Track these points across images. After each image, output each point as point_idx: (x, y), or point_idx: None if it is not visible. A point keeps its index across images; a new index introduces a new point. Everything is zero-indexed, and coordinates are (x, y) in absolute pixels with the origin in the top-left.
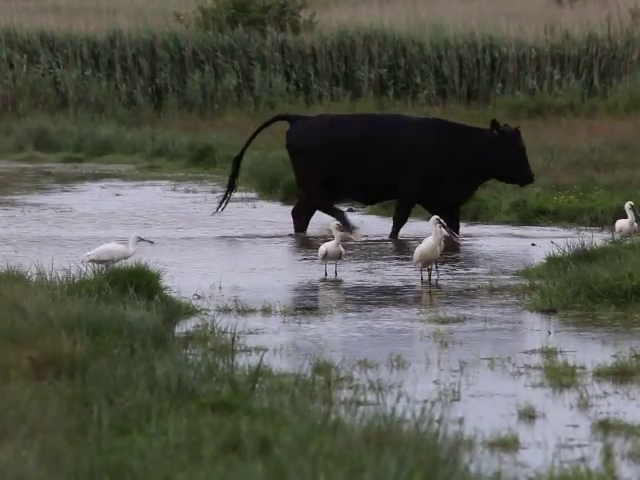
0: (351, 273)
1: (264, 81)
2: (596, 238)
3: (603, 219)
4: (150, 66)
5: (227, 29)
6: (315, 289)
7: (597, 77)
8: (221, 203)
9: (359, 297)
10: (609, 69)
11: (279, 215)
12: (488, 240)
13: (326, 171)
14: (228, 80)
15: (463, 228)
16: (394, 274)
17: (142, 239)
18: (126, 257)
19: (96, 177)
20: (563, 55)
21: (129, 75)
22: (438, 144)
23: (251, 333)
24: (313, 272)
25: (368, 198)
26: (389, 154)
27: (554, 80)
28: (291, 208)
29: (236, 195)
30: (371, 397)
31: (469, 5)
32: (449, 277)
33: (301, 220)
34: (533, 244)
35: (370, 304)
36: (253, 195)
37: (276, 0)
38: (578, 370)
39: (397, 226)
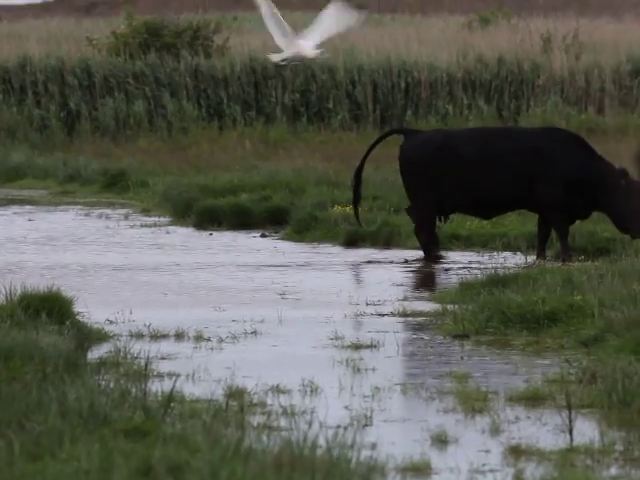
0: (266, 298)
1: (175, 107)
2: (509, 263)
3: (516, 245)
4: (61, 92)
5: (139, 54)
6: (229, 313)
7: (507, 101)
8: (357, 217)
9: (273, 322)
10: (518, 94)
11: (192, 240)
12: (401, 265)
13: (439, 187)
14: (138, 106)
15: (375, 254)
16: (309, 299)
17: None
18: None
19: (8, 202)
20: (474, 80)
21: (41, 100)
22: (563, 151)
23: (164, 358)
24: (226, 298)
25: (490, 212)
26: (517, 166)
27: (464, 104)
28: (204, 233)
29: (149, 220)
30: (284, 422)
31: (381, 31)
32: (362, 303)
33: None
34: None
35: (283, 329)
36: (166, 220)
37: (189, 25)
38: (490, 395)
39: (563, 237)
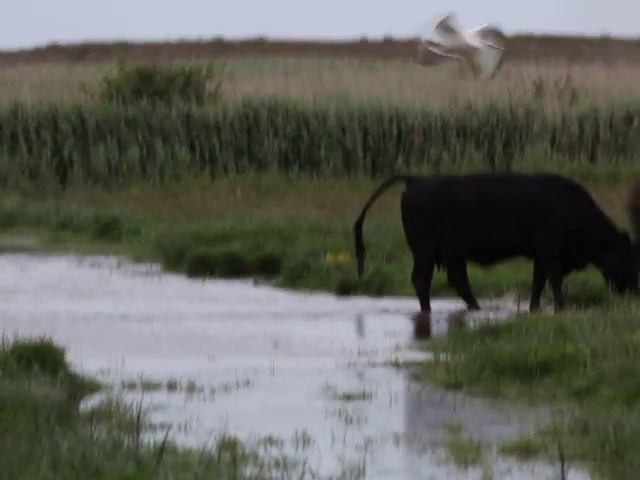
0: (259, 347)
1: (167, 154)
2: (501, 312)
3: (508, 293)
4: (53, 139)
5: (132, 100)
6: (222, 363)
7: (500, 148)
8: (360, 267)
9: (265, 372)
10: (511, 140)
11: (185, 288)
12: (393, 314)
13: (438, 234)
14: (131, 152)
15: (367, 303)
16: (302, 348)
17: None
18: None
19: (0, 250)
20: (466, 126)
21: (33, 147)
22: (562, 200)
23: (156, 409)
24: (220, 347)
25: (489, 259)
26: (515, 213)
27: (457, 151)
28: (197, 281)
29: (141, 269)
30: (276, 474)
31: (374, 76)
32: (355, 352)
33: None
34: None
35: (276, 378)
36: (159, 268)
37: (181, 71)
38: (483, 446)
39: (557, 286)
